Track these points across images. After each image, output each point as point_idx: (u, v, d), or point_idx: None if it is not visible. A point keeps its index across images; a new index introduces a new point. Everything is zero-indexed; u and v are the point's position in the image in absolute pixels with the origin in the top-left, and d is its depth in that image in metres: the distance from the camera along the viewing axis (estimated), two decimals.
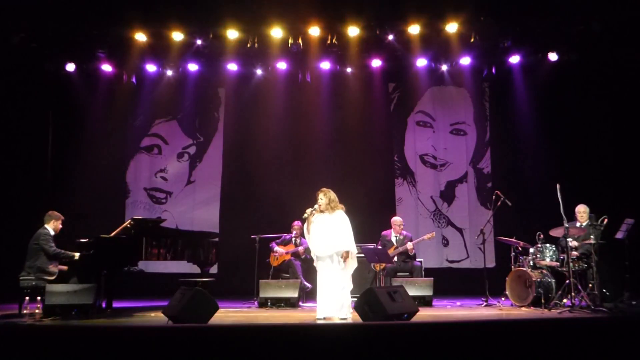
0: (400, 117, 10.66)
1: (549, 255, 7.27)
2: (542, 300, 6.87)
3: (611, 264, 7.10)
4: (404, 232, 8.34)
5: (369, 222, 8.90)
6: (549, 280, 7.10)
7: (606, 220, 6.99)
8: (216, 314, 5.41)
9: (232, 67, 9.99)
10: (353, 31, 8.83)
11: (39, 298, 6.25)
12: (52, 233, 6.69)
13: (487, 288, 7.53)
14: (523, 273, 7.14)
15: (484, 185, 10.34)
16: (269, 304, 7.51)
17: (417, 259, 8.39)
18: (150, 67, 9.98)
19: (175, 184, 10.62)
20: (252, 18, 8.67)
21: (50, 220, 6.76)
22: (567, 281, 6.67)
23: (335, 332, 3.74)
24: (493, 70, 9.81)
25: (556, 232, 7.05)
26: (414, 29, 8.78)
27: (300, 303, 7.75)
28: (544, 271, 7.20)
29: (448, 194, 10.39)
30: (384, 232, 8.40)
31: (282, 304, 7.50)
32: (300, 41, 8.96)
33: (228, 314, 6.68)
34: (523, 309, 6.98)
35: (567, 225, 6.75)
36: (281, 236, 8.54)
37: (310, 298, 7.90)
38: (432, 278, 7.76)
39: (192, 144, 10.75)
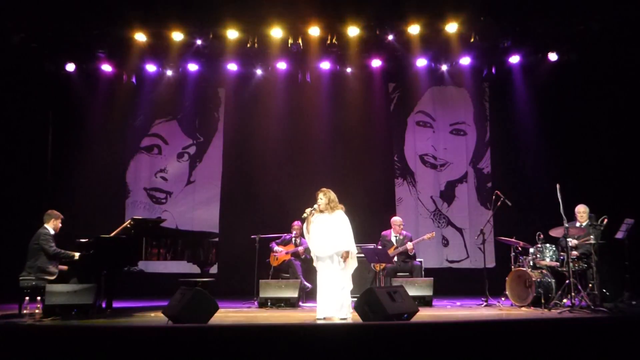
0: (400, 117, 10.66)
1: (549, 255, 7.27)
2: (542, 300, 6.87)
3: (611, 264, 7.10)
4: (404, 232, 8.34)
5: (369, 222, 8.91)
6: (549, 280, 7.10)
7: (606, 220, 6.99)
8: (216, 314, 5.41)
9: (232, 67, 9.99)
10: (353, 31, 8.83)
11: (39, 298, 6.24)
12: (52, 232, 6.69)
13: (487, 288, 7.54)
14: (523, 273, 7.14)
15: (484, 185, 10.35)
16: (269, 304, 7.51)
17: (417, 259, 8.39)
18: (150, 67, 9.98)
19: (175, 184, 10.62)
20: (252, 18, 8.66)
21: (50, 219, 6.75)
22: (567, 281, 6.67)
23: (335, 332, 3.74)
24: (493, 70, 9.81)
25: (556, 232, 7.05)
26: (414, 29, 8.78)
27: (300, 303, 7.75)
28: (544, 271, 7.20)
29: (448, 194, 10.39)
30: (384, 232, 8.40)
31: (282, 304, 7.50)
32: (300, 41, 8.96)
33: (228, 314, 6.68)
34: (523, 309, 6.98)
35: (567, 225, 6.75)
36: (281, 236, 8.55)
37: (310, 298, 7.90)
38: (432, 278, 7.76)
39: (192, 144, 10.75)
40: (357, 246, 6.36)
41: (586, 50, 9.12)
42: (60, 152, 10.06)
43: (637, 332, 3.49)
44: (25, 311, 6.22)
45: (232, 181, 10.54)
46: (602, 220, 7.01)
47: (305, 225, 6.18)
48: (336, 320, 5.82)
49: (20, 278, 6.44)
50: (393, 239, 8.27)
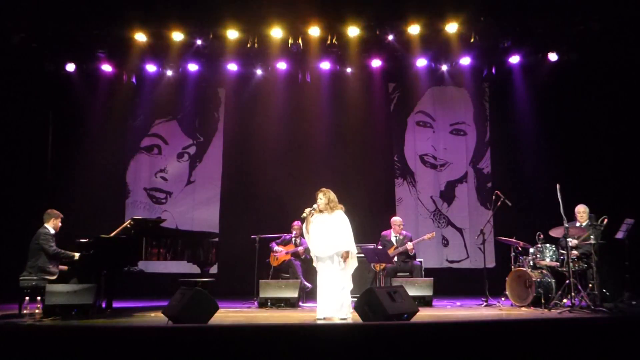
0: (400, 117, 10.66)
1: (549, 255, 7.27)
2: (542, 300, 6.87)
3: (611, 264, 7.10)
4: (404, 232, 8.34)
5: (369, 222, 8.92)
6: (549, 280, 7.10)
7: (606, 220, 6.99)
8: (216, 314, 5.41)
9: (232, 67, 9.98)
10: (353, 31, 8.83)
11: (39, 298, 6.24)
12: (53, 232, 6.69)
13: (487, 288, 7.54)
14: (523, 273, 7.14)
15: (484, 185, 10.35)
16: (269, 304, 7.51)
17: (417, 259, 8.39)
18: (150, 67, 9.98)
19: (175, 184, 10.62)
20: (252, 18, 8.66)
21: (49, 218, 6.75)
22: (567, 281, 6.67)
23: (335, 332, 3.74)
24: (493, 71, 9.81)
25: (556, 232, 7.05)
26: (414, 29, 8.78)
27: (300, 303, 7.75)
28: (544, 271, 7.20)
29: (448, 194, 10.39)
30: (383, 232, 8.40)
31: (282, 304, 7.50)
32: (300, 41, 8.96)
33: (228, 314, 6.68)
34: (523, 309, 6.98)
35: (567, 225, 6.75)
36: (281, 236, 8.55)
37: (310, 298, 7.90)
38: (432, 278, 7.76)
39: (192, 144, 10.75)
40: (357, 246, 6.36)
41: (586, 50, 9.12)
42: (60, 152, 10.05)
43: (637, 332, 3.49)
44: (25, 311, 6.22)
45: (232, 181, 10.53)
46: (602, 220, 7.01)
47: (304, 225, 6.17)
48: (336, 320, 5.82)
49: (21, 278, 6.43)
50: (393, 239, 8.27)
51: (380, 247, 7.99)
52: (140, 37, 8.98)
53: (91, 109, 10.17)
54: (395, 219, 8.42)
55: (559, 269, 7.12)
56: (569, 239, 6.75)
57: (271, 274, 8.31)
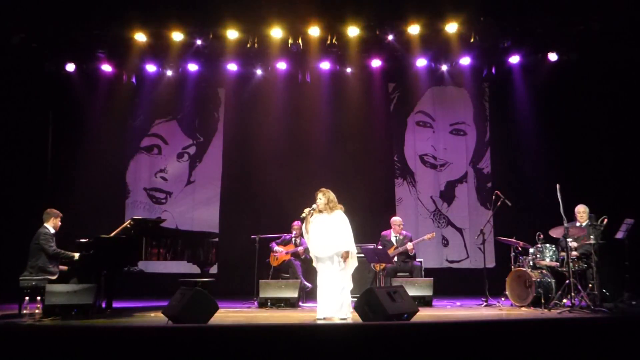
0: (400, 117, 10.66)
1: (548, 256, 7.28)
2: (542, 301, 6.87)
3: (611, 264, 7.10)
4: (404, 232, 8.34)
5: (369, 222, 8.92)
6: (549, 280, 7.10)
7: (606, 220, 6.99)
8: (216, 314, 5.41)
9: (232, 67, 9.99)
10: (353, 31, 8.83)
11: (38, 298, 6.25)
12: (52, 231, 6.69)
13: (487, 288, 7.54)
14: (523, 273, 7.14)
15: (484, 185, 10.35)
16: (269, 304, 7.51)
17: (417, 259, 8.39)
18: (150, 67, 9.98)
19: (175, 184, 10.62)
20: (252, 18, 8.66)
21: (49, 218, 6.76)
22: (567, 281, 6.67)
23: (335, 332, 3.74)
24: (493, 70, 9.80)
25: (556, 232, 7.05)
26: (414, 29, 8.78)
27: (300, 303, 7.76)
28: (543, 271, 7.20)
29: (448, 194, 10.39)
30: (383, 232, 8.40)
31: (282, 304, 7.50)
32: (300, 41, 8.96)
33: (228, 314, 6.68)
34: (523, 309, 6.98)
35: (567, 225, 6.75)
36: (281, 236, 8.55)
37: (310, 298, 7.90)
38: (432, 278, 7.76)
39: (192, 144, 10.75)
40: (357, 246, 6.35)
41: (586, 50, 9.12)
42: (60, 152, 10.05)
43: (637, 332, 3.49)
44: (25, 311, 6.23)
45: (232, 181, 10.53)
46: (602, 220, 7.02)
47: (304, 225, 6.17)
48: (336, 320, 5.81)
49: (21, 278, 6.43)
50: (393, 239, 8.27)
51: (380, 247, 7.99)
52: (140, 37, 8.98)
53: (91, 109, 10.16)
54: (395, 219, 8.42)
55: (559, 269, 7.12)
56: (568, 239, 6.75)
57: (271, 274, 8.31)
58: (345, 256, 5.96)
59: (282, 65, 9.89)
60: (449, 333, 3.54)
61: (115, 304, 7.05)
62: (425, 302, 7.51)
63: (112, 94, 10.23)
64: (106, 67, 9.86)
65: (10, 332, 3.71)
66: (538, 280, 7.01)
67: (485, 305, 7.36)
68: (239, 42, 9.07)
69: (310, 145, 10.36)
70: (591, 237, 6.84)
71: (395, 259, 8.09)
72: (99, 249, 6.66)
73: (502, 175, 10.16)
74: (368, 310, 5.11)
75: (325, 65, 9.89)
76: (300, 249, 8.29)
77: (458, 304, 7.83)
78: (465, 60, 9.73)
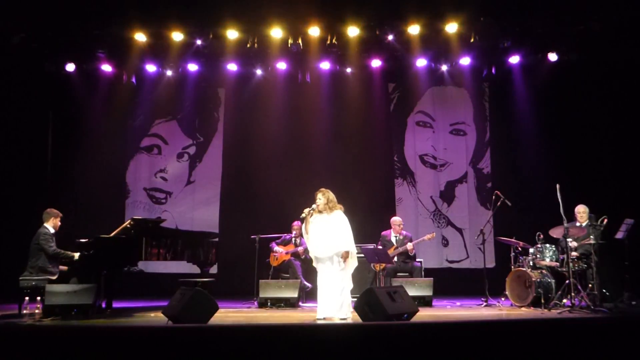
0: (400, 117, 10.66)
1: (548, 256, 7.28)
2: (542, 301, 6.88)
3: (611, 264, 7.11)
4: (404, 232, 8.34)
5: (369, 222, 8.92)
6: (549, 280, 7.10)
7: (606, 220, 6.99)
8: (216, 314, 5.41)
9: (232, 67, 9.98)
10: (353, 31, 8.83)
11: (38, 298, 6.24)
12: (52, 231, 6.69)
13: (487, 288, 7.54)
14: (523, 273, 7.14)
15: (484, 185, 10.35)
16: (269, 304, 7.51)
17: (417, 259, 8.39)
18: (150, 67, 9.98)
19: (175, 184, 10.62)
20: (252, 18, 8.66)
21: (49, 218, 6.76)
22: (567, 281, 6.67)
23: (335, 332, 3.74)
24: (493, 71, 9.80)
25: (556, 232, 7.05)
26: (414, 29, 8.78)
27: (300, 303, 7.75)
28: (543, 271, 7.20)
29: (448, 194, 10.39)
30: (383, 232, 8.40)
31: (282, 304, 7.50)
32: (300, 41, 8.96)
33: (228, 314, 6.68)
34: (523, 309, 6.98)
35: (567, 225, 6.75)
36: (281, 236, 8.55)
37: (310, 298, 7.90)
38: (432, 278, 7.76)
39: (192, 144, 10.75)
40: (357, 246, 6.35)
41: (586, 50, 9.13)
42: (60, 152, 10.05)
43: (637, 332, 3.49)
44: (25, 311, 6.21)
45: (232, 181, 10.53)
46: (602, 220, 7.02)
47: (304, 225, 6.17)
48: (336, 320, 5.81)
49: (21, 278, 6.43)
50: (393, 239, 8.27)
51: (380, 247, 7.99)
52: (140, 37, 8.98)
53: (91, 109, 10.16)
54: (395, 219, 8.42)
55: (559, 269, 7.12)
56: (568, 239, 6.75)
57: (271, 274, 8.30)
58: (345, 256, 5.96)
59: (282, 65, 9.89)
60: (449, 333, 3.54)
61: (115, 304, 7.05)
62: (425, 302, 7.51)
63: (112, 94, 10.22)
64: (106, 67, 9.86)
65: (10, 332, 3.71)
66: (538, 280, 7.01)
67: (485, 306, 7.36)
68: (239, 42, 9.07)
69: (310, 145, 10.36)
70: (591, 237, 6.84)
71: (395, 259, 8.09)
72: (99, 249, 6.66)
73: (502, 175, 10.16)
74: (368, 310, 5.11)
75: (325, 65, 9.89)
76: (300, 249, 8.29)
77: (458, 304, 7.83)
78: (465, 61, 9.73)
